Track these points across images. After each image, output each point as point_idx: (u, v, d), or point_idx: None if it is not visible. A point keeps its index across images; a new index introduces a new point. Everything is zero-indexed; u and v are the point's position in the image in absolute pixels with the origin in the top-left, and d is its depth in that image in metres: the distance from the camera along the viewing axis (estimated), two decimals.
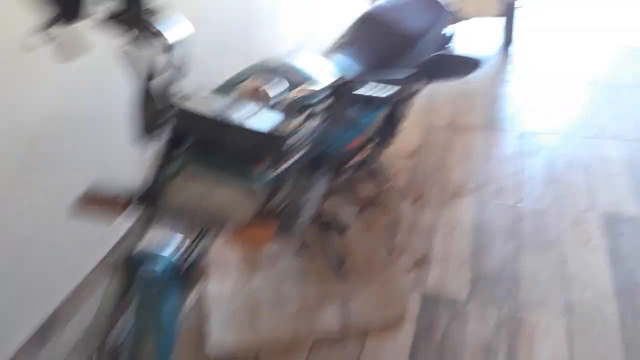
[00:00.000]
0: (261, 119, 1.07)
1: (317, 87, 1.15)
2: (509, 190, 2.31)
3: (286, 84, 1.29)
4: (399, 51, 1.78)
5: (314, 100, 1.21)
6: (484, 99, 3.05)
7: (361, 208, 2.24)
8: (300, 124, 1.27)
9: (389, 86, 1.27)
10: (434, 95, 3.06)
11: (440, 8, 1.97)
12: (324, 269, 1.93)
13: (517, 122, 2.79)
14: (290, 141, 1.24)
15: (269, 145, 1.08)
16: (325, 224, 1.88)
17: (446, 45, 2.12)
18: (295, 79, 1.35)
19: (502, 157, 2.53)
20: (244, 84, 1.30)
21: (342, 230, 1.85)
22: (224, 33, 2.70)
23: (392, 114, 1.98)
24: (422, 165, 2.52)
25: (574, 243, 2.01)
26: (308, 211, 1.65)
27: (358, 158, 2.01)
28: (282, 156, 1.20)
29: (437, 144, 2.66)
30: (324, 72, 1.44)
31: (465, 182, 2.38)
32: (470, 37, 3.63)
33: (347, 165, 1.91)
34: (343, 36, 1.84)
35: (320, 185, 1.73)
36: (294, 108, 1.18)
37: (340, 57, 1.67)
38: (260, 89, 1.29)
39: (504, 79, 3.24)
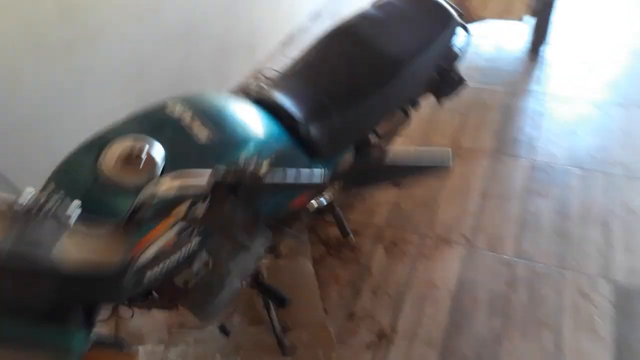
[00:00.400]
0: (89, 239, 0.73)
1: (194, 182, 0.79)
2: (508, 241, 1.92)
3: (157, 162, 0.93)
4: (376, 80, 1.36)
5: (190, 195, 0.85)
6: (500, 112, 2.61)
7: (323, 255, 1.90)
8: (166, 230, 0.92)
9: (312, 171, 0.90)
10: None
11: (447, 16, 1.52)
12: (263, 340, 1.61)
13: (534, 147, 2.35)
14: (145, 258, 0.89)
15: (94, 285, 0.73)
16: (265, 290, 1.54)
17: (448, 67, 1.70)
18: (185, 149, 0.99)
19: (507, 194, 2.12)
20: (116, 146, 0.94)
21: (280, 302, 1.50)
22: (189, 20, 2.33)
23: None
24: (408, 199, 2.14)
25: (574, 323, 1.63)
26: (232, 283, 1.32)
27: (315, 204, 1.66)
28: (123, 291, 0.85)
29: None
30: (238, 134, 1.07)
31: (455, 226, 2.00)
32: (490, 39, 3.16)
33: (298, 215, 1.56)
34: (305, 55, 1.45)
35: (253, 250, 1.40)
36: (154, 210, 0.83)
37: (283, 96, 1.28)
38: (143, 154, 0.94)
39: (529, 88, 2.77)
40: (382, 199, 2.14)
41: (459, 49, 1.61)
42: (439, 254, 1.89)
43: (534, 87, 2.77)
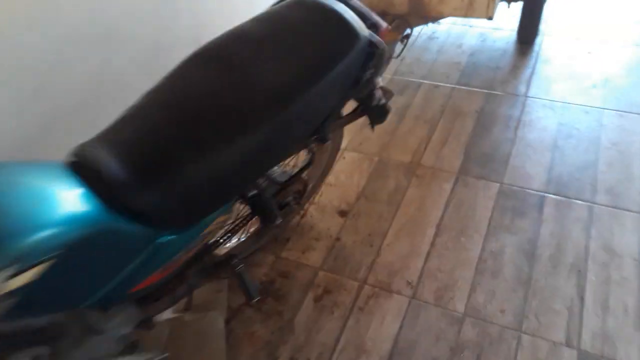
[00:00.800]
0: None
1: None
2: (459, 291, 1.61)
3: None
4: (251, 119, 1.01)
5: None
6: (474, 120, 2.26)
7: (242, 305, 1.63)
8: None
9: None
10: (407, 108, 2.32)
11: (353, 35, 1.14)
12: None
13: (507, 166, 2.01)
14: None
15: None
16: None
17: (364, 95, 1.36)
18: None
19: (467, 228, 1.80)
20: None
21: None
22: (106, 19, 2.02)
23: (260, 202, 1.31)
24: (352, 232, 1.83)
25: None
26: None
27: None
28: None
29: (384, 196, 1.95)
30: None
31: (401, 269, 1.70)
32: (476, 28, 2.78)
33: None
34: (154, 91, 1.12)
35: (110, 332, 1.14)
36: None
37: (111, 154, 0.97)
38: None
39: (512, 90, 2.40)
40: (323, 231, 1.85)
41: (375, 73, 1.26)
42: (376, 306, 1.60)
43: (519, 88, 2.40)
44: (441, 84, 2.48)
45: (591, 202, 1.80)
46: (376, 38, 1.18)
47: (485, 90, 2.40)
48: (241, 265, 1.38)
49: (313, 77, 1.09)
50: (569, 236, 1.71)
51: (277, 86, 1.05)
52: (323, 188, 2.00)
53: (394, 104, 2.38)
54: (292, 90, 1.06)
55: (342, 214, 1.91)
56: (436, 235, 1.78)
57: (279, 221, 1.36)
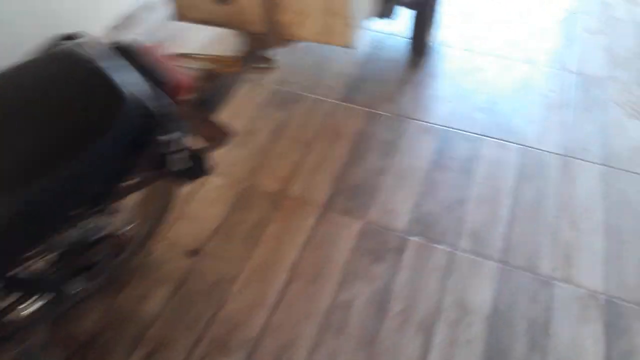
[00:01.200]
0: None
1: None
2: (300, 349, 1.49)
3: None
4: None
5: None
6: (351, 144, 2.12)
7: None
8: None
9: None
10: (285, 125, 2.15)
11: (116, 101, 0.94)
12: None
13: (374, 200, 1.89)
14: None
15: None
16: None
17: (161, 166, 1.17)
18: None
19: (321, 273, 1.67)
20: None
21: None
22: None
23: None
24: (200, 275, 1.67)
25: None
26: None
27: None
28: None
29: (243, 232, 1.80)
30: None
31: (242, 324, 1.56)
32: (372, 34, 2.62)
33: None
34: None
35: None
36: None
37: None
38: None
39: (398, 111, 2.27)
40: (168, 273, 1.67)
41: (172, 136, 1.08)
42: None
43: (402, 108, 2.27)
44: (325, 98, 2.32)
45: (453, 248, 1.72)
46: (159, 101, 1.00)
47: (368, 109, 2.26)
48: (29, 339, 1.19)
49: (57, 159, 0.89)
50: (424, 288, 1.62)
51: (9, 169, 0.86)
52: (177, 222, 1.82)
53: (273, 119, 2.21)
54: (29, 174, 0.87)
55: (193, 253, 1.74)
56: (288, 281, 1.65)
57: (73, 291, 1.18)
